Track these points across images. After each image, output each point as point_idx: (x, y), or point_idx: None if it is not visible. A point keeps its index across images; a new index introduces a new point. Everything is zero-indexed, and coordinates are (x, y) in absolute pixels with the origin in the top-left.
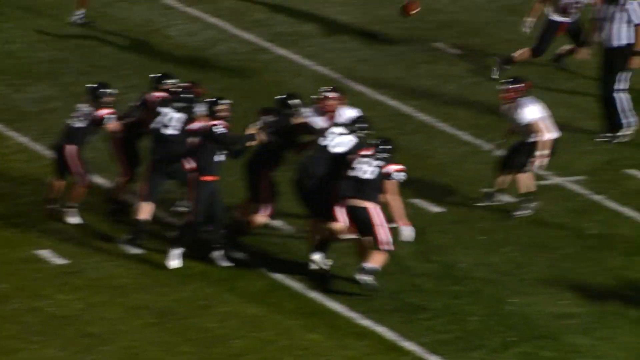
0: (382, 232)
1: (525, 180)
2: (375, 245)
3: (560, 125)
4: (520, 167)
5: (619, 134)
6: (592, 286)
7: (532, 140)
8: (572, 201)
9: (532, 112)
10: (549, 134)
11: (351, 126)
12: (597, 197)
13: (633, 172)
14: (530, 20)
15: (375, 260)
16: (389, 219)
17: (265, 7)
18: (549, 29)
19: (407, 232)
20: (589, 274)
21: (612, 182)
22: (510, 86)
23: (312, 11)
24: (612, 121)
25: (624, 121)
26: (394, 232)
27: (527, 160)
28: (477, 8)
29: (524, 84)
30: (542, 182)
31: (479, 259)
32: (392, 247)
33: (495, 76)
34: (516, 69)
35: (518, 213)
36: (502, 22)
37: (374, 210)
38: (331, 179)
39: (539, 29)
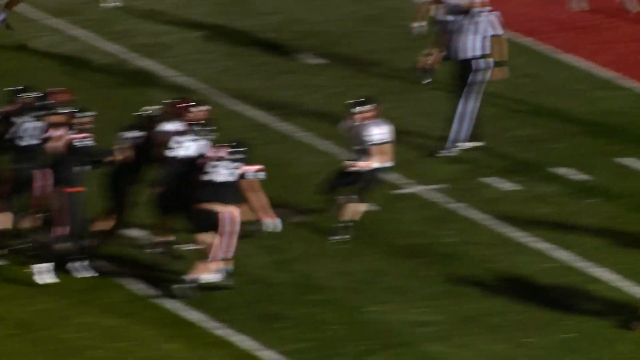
0: (222, 243)
1: (354, 209)
2: (207, 254)
3: (419, 133)
4: (360, 197)
5: (440, 150)
6: (450, 294)
7: (362, 162)
8: (430, 209)
9: (379, 134)
10: (381, 161)
11: (199, 131)
12: (455, 206)
13: (490, 180)
14: (419, 25)
15: (200, 271)
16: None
17: (128, 18)
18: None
19: (272, 224)
20: (446, 282)
21: (469, 190)
22: (360, 107)
23: (175, 22)
24: (444, 134)
25: (448, 144)
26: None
27: (364, 186)
28: (339, 18)
29: (374, 105)
30: (400, 191)
31: (337, 268)
32: (227, 257)
33: (428, 80)
34: (370, 88)
35: (335, 238)
36: (365, 32)
37: (226, 217)
38: (187, 186)
39: (432, 33)
